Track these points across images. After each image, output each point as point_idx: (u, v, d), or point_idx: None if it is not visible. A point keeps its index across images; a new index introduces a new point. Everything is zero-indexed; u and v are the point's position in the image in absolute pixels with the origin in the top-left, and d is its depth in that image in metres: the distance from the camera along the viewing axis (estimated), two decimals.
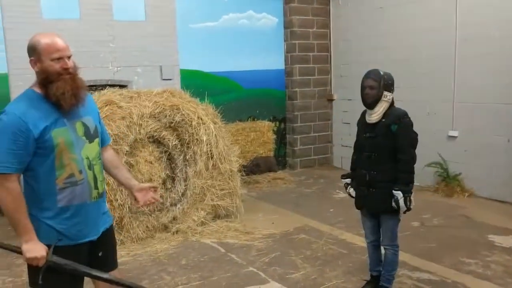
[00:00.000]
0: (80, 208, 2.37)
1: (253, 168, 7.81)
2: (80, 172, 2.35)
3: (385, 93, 3.29)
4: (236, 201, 5.52)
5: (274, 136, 8.26)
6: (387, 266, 3.49)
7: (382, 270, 3.54)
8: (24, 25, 5.84)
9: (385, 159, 3.31)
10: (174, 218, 5.20)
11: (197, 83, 6.97)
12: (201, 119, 5.25)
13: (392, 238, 3.43)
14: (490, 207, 5.84)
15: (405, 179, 3.26)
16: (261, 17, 7.94)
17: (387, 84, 3.29)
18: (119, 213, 4.71)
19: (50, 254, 2.29)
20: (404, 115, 3.32)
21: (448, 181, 6.49)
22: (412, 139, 3.33)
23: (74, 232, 2.37)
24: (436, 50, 6.59)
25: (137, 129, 4.94)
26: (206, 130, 5.25)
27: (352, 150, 3.67)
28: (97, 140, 2.49)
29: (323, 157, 8.65)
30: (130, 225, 4.86)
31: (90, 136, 2.43)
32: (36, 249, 2.25)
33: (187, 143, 5.26)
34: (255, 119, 8.04)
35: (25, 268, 4.28)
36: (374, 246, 3.58)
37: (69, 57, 2.31)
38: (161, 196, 5.17)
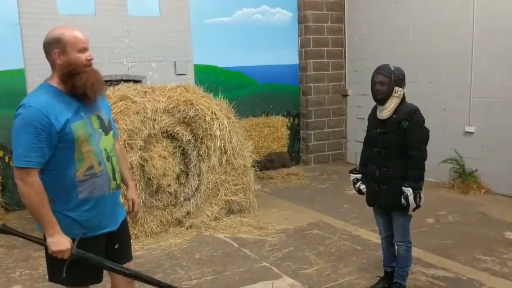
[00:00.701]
0: (100, 200, 2.39)
1: (267, 164, 7.81)
2: (99, 164, 2.37)
3: (396, 88, 3.23)
4: (249, 196, 5.52)
5: (288, 132, 8.24)
6: (400, 263, 3.46)
7: (395, 266, 3.51)
8: (41, 21, 5.92)
9: (395, 156, 3.27)
10: (188, 213, 5.22)
11: (211, 78, 6.99)
12: (215, 114, 5.26)
13: (405, 234, 3.39)
14: (507, 204, 5.75)
15: (415, 176, 3.22)
16: (275, 12, 7.90)
17: (398, 79, 3.24)
18: None
19: (74, 247, 2.31)
20: (416, 111, 3.26)
21: (464, 178, 6.40)
22: (423, 136, 3.27)
23: (95, 223, 2.39)
24: (453, 44, 6.49)
25: (151, 124, 4.96)
26: (219, 126, 5.25)
27: None
28: (111, 132, 2.52)
29: (337, 152, 8.60)
30: (144, 219, 4.90)
31: (105, 128, 2.46)
32: (61, 242, 2.26)
33: (201, 138, 5.27)
34: (269, 115, 8.02)
35: (42, 261, 4.37)
36: (388, 242, 3.55)
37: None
38: (175, 191, 5.19)
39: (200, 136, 5.26)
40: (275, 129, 8.05)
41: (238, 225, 5.20)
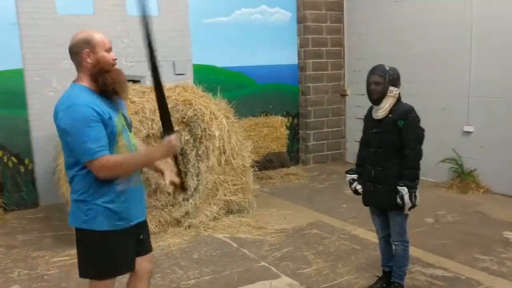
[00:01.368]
0: (134, 191, 2.54)
1: (266, 164, 7.81)
2: None
3: (391, 88, 3.25)
4: (248, 196, 5.52)
5: (287, 132, 8.24)
6: (397, 262, 3.46)
7: (393, 266, 3.51)
8: (39, 21, 5.92)
9: (391, 155, 3.28)
10: (187, 213, 5.22)
11: (210, 78, 6.97)
12: (214, 114, 5.26)
13: (401, 233, 3.39)
14: (506, 204, 5.76)
15: (410, 175, 3.22)
16: (274, 12, 7.90)
17: (393, 79, 3.26)
18: None
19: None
20: (411, 110, 3.27)
21: (463, 177, 6.40)
22: (419, 135, 3.28)
23: (132, 213, 2.53)
24: (452, 44, 6.49)
25: (150, 124, 4.96)
26: (218, 125, 5.25)
27: None
28: (133, 130, 2.67)
29: (336, 152, 8.60)
30: None
31: (129, 126, 2.62)
32: (164, 143, 2.48)
33: (200, 138, 5.27)
34: (268, 114, 8.02)
35: (40, 261, 4.38)
36: (386, 241, 3.55)
37: None
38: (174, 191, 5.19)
39: (199, 136, 5.26)
40: (274, 129, 8.05)
41: (237, 225, 5.20)
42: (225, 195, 5.34)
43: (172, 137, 2.47)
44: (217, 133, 5.21)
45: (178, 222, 5.18)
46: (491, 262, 4.10)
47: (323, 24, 8.15)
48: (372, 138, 3.39)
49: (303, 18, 8.02)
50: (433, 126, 5.95)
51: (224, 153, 5.31)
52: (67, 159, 2.45)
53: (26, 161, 6.13)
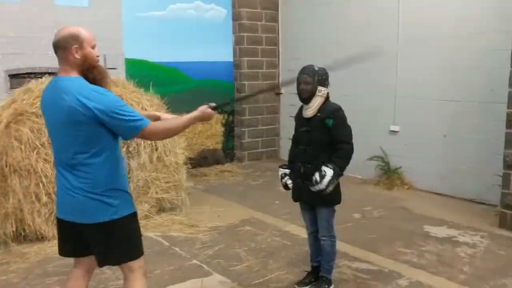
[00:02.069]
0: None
1: (201, 161, 7.76)
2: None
3: (320, 88, 3.36)
4: (181, 194, 5.46)
5: (222, 129, 8.24)
6: (325, 257, 3.56)
7: (321, 261, 3.62)
8: None
9: (319, 153, 3.37)
10: None
11: (142, 73, 6.80)
12: (146, 109, 5.14)
13: (329, 229, 3.50)
14: (428, 199, 6.10)
15: (341, 163, 3.29)
16: (209, 8, 7.85)
17: (322, 79, 3.37)
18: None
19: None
20: (339, 109, 3.40)
21: (389, 174, 6.71)
22: (350, 131, 3.41)
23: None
24: (380, 45, 6.74)
25: None
26: None
27: None
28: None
29: (271, 150, 8.72)
30: None
31: None
32: (202, 109, 2.81)
33: None
34: None
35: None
36: (314, 237, 3.65)
37: None
38: None
39: None
40: (210, 126, 8.02)
41: (169, 224, 5.13)
42: (156, 193, 5.25)
43: (209, 109, 2.76)
44: None
45: None
46: (412, 255, 4.33)
47: (259, 23, 8.22)
48: (302, 136, 3.48)
49: (238, 16, 8.03)
50: (362, 125, 6.17)
51: (156, 150, 5.22)
52: (84, 151, 2.39)
53: None
